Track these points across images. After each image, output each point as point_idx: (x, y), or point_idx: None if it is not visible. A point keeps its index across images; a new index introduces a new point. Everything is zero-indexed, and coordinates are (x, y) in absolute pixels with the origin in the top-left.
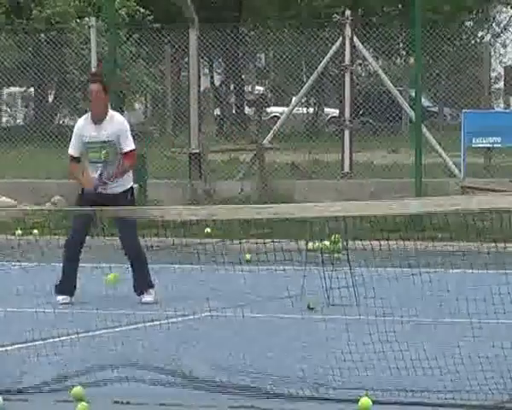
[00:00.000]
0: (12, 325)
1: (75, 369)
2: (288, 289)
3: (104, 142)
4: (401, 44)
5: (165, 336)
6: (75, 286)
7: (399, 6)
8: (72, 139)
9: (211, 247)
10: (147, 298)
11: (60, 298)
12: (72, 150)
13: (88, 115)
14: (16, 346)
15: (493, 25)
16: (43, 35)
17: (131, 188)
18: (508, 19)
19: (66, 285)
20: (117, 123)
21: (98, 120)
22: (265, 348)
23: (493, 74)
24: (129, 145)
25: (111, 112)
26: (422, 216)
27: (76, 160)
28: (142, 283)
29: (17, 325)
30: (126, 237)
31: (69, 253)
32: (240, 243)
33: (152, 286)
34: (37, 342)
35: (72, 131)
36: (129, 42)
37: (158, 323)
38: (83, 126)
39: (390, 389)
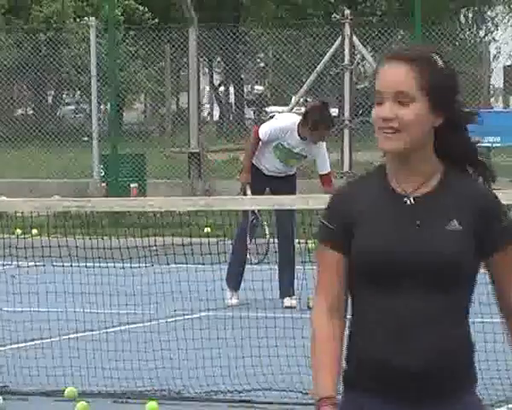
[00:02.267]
0: (11, 324)
1: (75, 368)
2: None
3: (298, 154)
4: (400, 44)
5: (164, 335)
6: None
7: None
8: (272, 128)
9: (210, 246)
10: (287, 303)
11: (228, 294)
12: (264, 136)
13: (298, 127)
14: (16, 346)
15: (490, 23)
16: (41, 35)
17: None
18: (505, 17)
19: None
20: (318, 145)
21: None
22: (263, 347)
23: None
24: (326, 168)
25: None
26: None
27: (259, 141)
28: (288, 284)
29: (17, 324)
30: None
31: (236, 250)
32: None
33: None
34: (37, 342)
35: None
36: (127, 40)
37: (156, 322)
38: (290, 132)
39: None
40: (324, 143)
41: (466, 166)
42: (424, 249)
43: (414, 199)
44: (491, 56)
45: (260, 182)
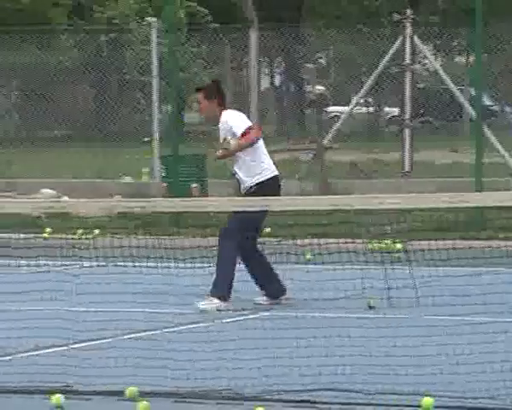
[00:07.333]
0: (74, 324)
1: (136, 368)
2: (348, 288)
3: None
4: (461, 43)
5: (225, 335)
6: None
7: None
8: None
9: (272, 246)
10: (203, 304)
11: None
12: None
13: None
14: (79, 345)
15: None
16: (103, 36)
17: (261, 183)
18: None
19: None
20: (221, 124)
21: (212, 123)
22: (326, 347)
23: None
24: (238, 130)
25: (224, 113)
26: (483, 215)
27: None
28: (215, 284)
29: (79, 324)
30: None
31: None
32: (296, 242)
33: (224, 297)
34: (99, 342)
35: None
36: (189, 42)
37: (218, 321)
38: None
39: (455, 395)
40: (227, 120)
41: None
42: None
43: None
44: None
45: None
